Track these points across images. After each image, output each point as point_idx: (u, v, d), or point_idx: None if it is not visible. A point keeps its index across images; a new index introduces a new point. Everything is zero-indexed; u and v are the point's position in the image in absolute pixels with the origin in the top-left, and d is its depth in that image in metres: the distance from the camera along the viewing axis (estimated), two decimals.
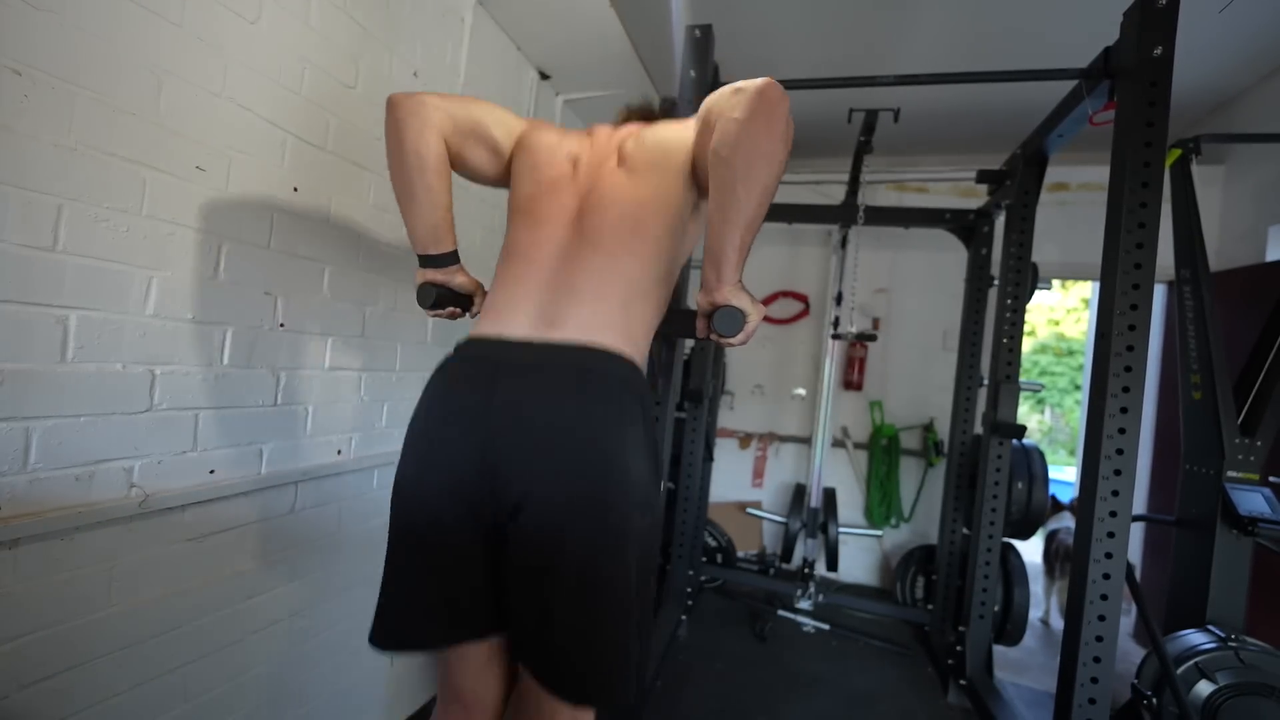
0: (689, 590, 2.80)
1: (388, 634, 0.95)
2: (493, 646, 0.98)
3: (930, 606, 2.81)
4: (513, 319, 0.94)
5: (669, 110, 1.21)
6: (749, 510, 3.51)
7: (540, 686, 0.89)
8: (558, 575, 0.84)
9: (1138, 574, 2.47)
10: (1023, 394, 2.26)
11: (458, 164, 1.07)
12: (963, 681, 2.21)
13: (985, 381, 2.41)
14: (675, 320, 1.14)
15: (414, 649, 0.96)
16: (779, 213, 2.92)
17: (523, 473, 0.85)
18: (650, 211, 0.97)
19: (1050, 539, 3.20)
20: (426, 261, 1.07)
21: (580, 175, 1.03)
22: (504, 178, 1.11)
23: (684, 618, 2.62)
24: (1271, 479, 1.60)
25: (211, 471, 1.17)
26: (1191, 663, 1.43)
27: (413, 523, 0.92)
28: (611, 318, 0.93)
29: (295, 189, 1.30)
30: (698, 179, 0.98)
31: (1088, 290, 7.03)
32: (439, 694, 1.03)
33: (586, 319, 0.91)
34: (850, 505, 3.56)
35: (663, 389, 1.73)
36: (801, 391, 3.67)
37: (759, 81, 0.83)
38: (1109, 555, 1.37)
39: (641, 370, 0.96)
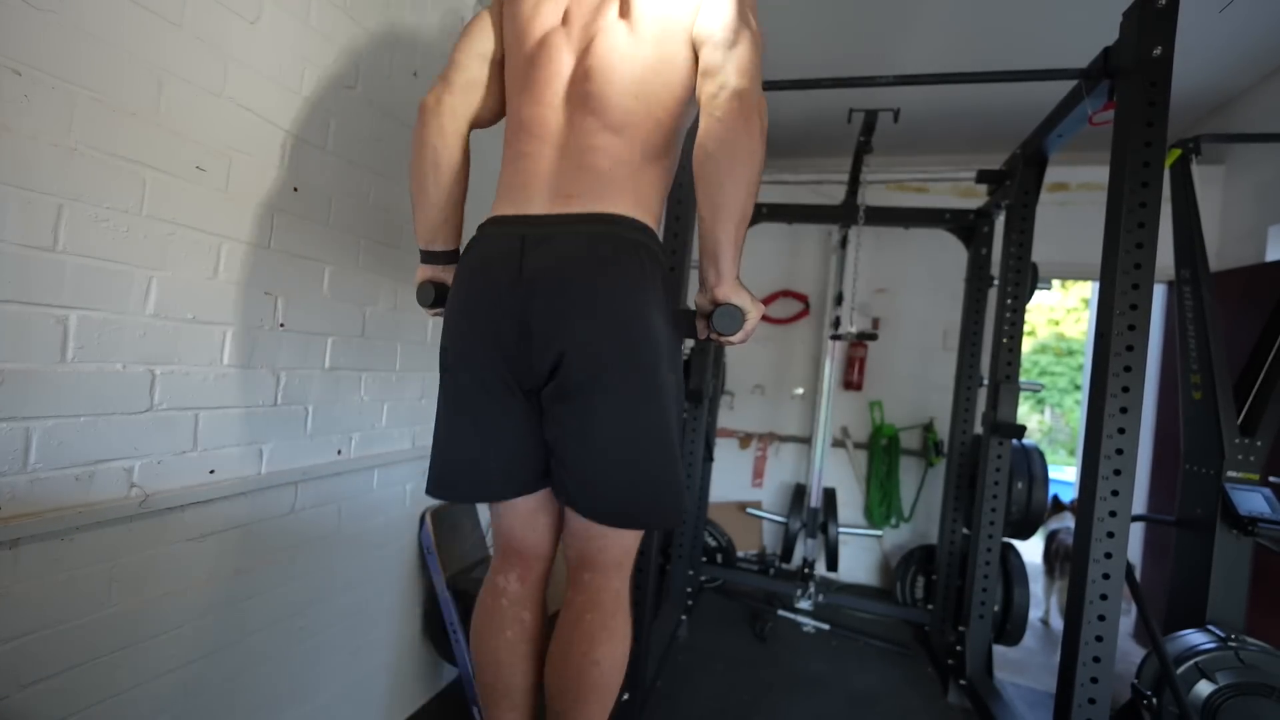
0: (689, 590, 2.80)
1: (442, 487, 1.06)
2: (539, 498, 1.06)
3: (930, 606, 2.81)
4: (528, 198, 0.97)
5: None
6: (749, 510, 3.51)
7: (591, 520, 0.97)
8: (600, 415, 0.92)
9: (1138, 574, 2.47)
10: (1023, 394, 2.26)
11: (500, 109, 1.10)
12: (963, 681, 2.21)
13: (985, 381, 2.42)
14: (675, 320, 1.14)
15: (471, 500, 1.09)
16: (779, 213, 2.93)
17: (557, 334, 0.91)
18: (655, 77, 0.95)
19: (1050, 539, 3.20)
20: (428, 258, 1.09)
21: (573, 27, 0.98)
22: None
23: (684, 618, 2.62)
24: (1271, 479, 1.60)
25: (211, 471, 1.17)
26: (1191, 663, 1.43)
27: (461, 391, 1.01)
28: (622, 185, 0.95)
29: (295, 189, 1.30)
30: (697, 49, 0.95)
31: (1088, 290, 7.03)
32: (494, 544, 1.14)
33: (598, 189, 0.94)
34: (850, 505, 3.57)
35: None
36: (801, 391, 3.67)
37: (737, 84, 0.87)
38: (1109, 555, 1.37)
39: (656, 233, 1.00)
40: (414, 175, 1.07)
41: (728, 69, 0.88)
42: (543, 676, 1.08)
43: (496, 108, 1.10)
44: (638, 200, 0.96)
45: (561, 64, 0.97)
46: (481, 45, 1.09)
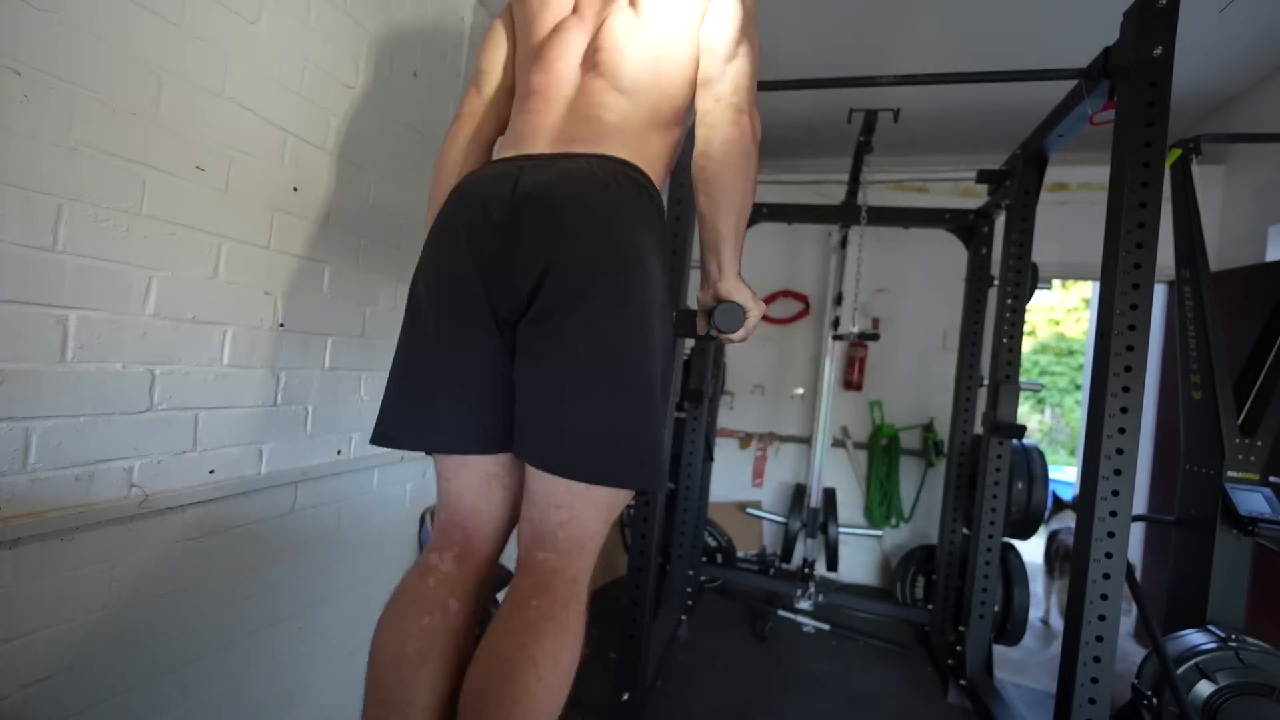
0: (689, 590, 2.80)
1: (387, 433, 0.91)
2: (498, 463, 0.93)
3: (930, 606, 2.81)
4: (531, 142, 0.95)
5: None
6: (749, 510, 3.51)
7: (553, 474, 0.83)
8: (577, 344, 0.82)
9: (1138, 574, 2.47)
10: (1023, 394, 2.26)
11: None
12: (963, 681, 2.21)
13: (985, 381, 2.41)
14: (676, 319, 1.14)
15: (413, 447, 0.92)
16: (779, 213, 2.92)
17: (545, 246, 0.83)
18: (662, 59, 0.96)
19: (1051, 538, 3.20)
20: None
21: (585, 15, 1.00)
22: None
23: (684, 618, 2.62)
24: (1271, 479, 1.60)
25: (211, 471, 1.17)
26: (1192, 663, 1.43)
27: (426, 320, 0.90)
28: (627, 139, 0.93)
29: (295, 189, 1.30)
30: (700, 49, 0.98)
31: (1088, 290, 7.03)
32: (435, 523, 0.97)
33: (603, 137, 0.92)
34: (850, 505, 3.56)
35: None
36: (801, 391, 3.67)
37: (732, 99, 0.93)
38: (1109, 555, 1.37)
39: (658, 187, 0.97)
40: (438, 172, 1.07)
41: (724, 83, 0.93)
42: (455, 698, 0.82)
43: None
44: (642, 156, 0.94)
45: (575, 43, 0.99)
46: (502, 50, 1.10)
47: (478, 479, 0.93)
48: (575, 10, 1.02)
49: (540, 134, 0.95)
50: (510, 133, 1.02)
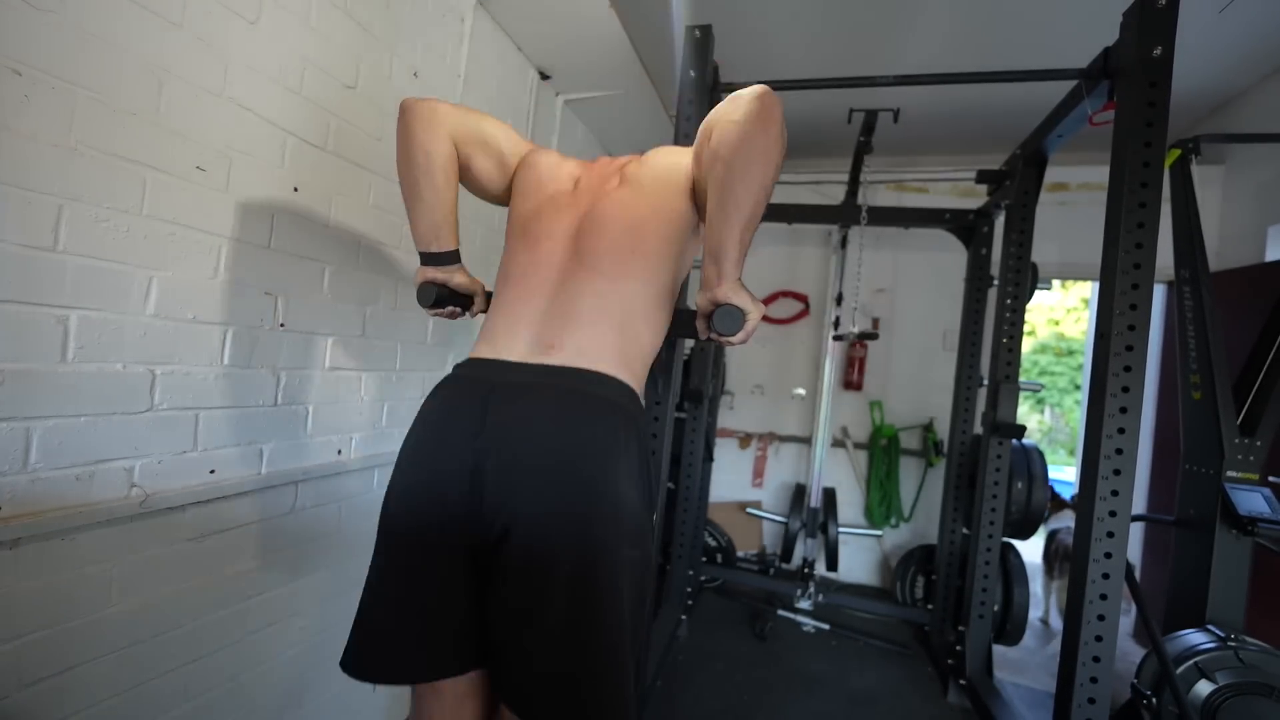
0: (689, 590, 2.80)
1: (362, 662, 0.91)
2: (471, 680, 0.94)
3: (930, 606, 2.81)
4: (509, 343, 0.94)
5: None
6: (749, 510, 3.51)
7: None
8: (545, 605, 0.82)
9: (1138, 574, 2.47)
10: (1023, 394, 2.26)
11: (463, 173, 1.09)
12: (963, 681, 2.21)
13: (985, 381, 2.42)
14: (675, 320, 1.14)
15: (389, 681, 0.91)
16: (779, 213, 2.93)
17: (510, 498, 0.83)
18: (650, 228, 0.97)
19: (1050, 538, 3.20)
20: (428, 259, 1.08)
21: (580, 194, 1.04)
22: (505, 193, 1.14)
23: (684, 618, 2.62)
24: (1271, 479, 1.60)
25: (212, 471, 1.17)
26: (1191, 662, 1.43)
27: (399, 546, 0.90)
28: (607, 342, 0.92)
29: (295, 189, 1.30)
30: (697, 199, 0.99)
31: (1088, 290, 7.03)
32: None
33: (582, 343, 0.91)
34: (850, 505, 3.57)
35: (662, 389, 1.73)
36: (801, 391, 3.67)
37: (755, 87, 0.88)
38: (1109, 555, 1.37)
39: (638, 395, 0.95)
40: (405, 179, 1.03)
41: (742, 94, 0.87)
42: None
43: (467, 164, 1.08)
44: (621, 356, 0.93)
45: (562, 221, 1.01)
46: (495, 133, 1.09)
47: (450, 701, 0.94)
48: (575, 188, 1.04)
49: (518, 333, 0.94)
50: (488, 322, 1.00)
